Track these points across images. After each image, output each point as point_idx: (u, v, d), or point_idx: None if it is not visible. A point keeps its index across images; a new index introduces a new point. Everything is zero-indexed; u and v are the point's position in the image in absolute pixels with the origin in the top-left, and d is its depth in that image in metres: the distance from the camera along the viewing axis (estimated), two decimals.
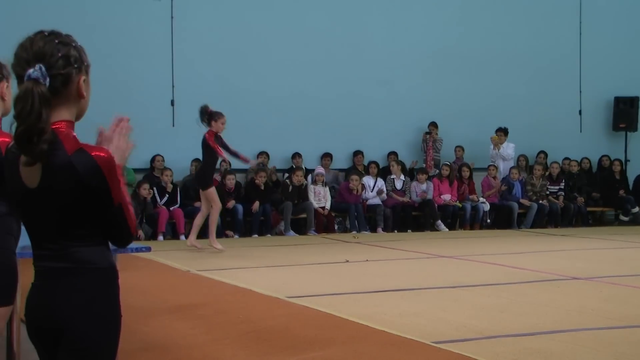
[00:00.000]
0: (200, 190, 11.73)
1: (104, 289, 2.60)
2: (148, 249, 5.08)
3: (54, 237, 2.56)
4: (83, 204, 2.51)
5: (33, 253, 2.64)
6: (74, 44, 2.60)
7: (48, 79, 2.48)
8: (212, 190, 11.53)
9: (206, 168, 11.56)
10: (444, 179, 16.09)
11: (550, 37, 18.13)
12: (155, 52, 15.23)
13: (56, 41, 2.55)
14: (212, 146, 11.10)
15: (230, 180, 14.54)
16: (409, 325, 6.28)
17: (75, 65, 2.57)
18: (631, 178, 17.95)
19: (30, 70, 2.47)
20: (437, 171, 16.37)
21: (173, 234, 14.10)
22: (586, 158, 17.85)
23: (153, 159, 14.68)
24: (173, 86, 15.29)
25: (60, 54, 2.53)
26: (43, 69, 2.48)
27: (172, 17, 15.28)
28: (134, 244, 4.77)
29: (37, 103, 2.43)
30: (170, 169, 14.42)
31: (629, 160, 18.35)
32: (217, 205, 11.58)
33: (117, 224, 2.57)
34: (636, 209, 17.21)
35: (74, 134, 2.57)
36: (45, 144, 2.44)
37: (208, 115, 11.28)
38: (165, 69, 15.22)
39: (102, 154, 2.50)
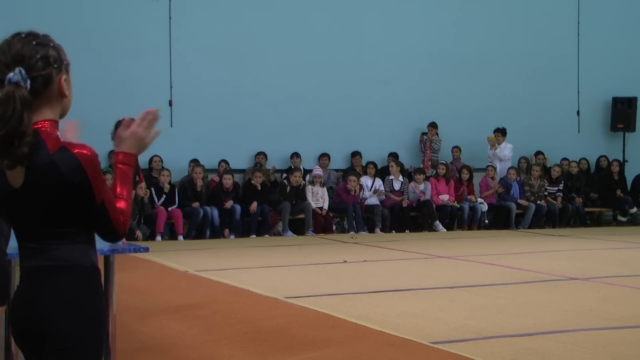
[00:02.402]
0: None
1: (87, 287, 2.58)
2: (146, 250, 5.08)
3: (37, 236, 2.56)
4: (66, 202, 2.51)
5: (19, 253, 2.64)
6: (52, 44, 2.58)
7: (29, 82, 2.48)
8: None
9: None
10: (441, 178, 16.11)
11: (548, 38, 18.15)
12: (153, 53, 15.24)
13: (34, 42, 2.53)
14: None
15: (228, 180, 14.55)
16: (407, 326, 6.28)
17: (55, 65, 2.56)
18: (629, 178, 17.97)
19: (11, 74, 2.46)
20: (434, 171, 16.38)
21: (171, 234, 14.10)
22: (584, 158, 17.85)
23: (151, 160, 14.68)
24: (171, 87, 15.30)
25: (39, 55, 2.52)
26: (23, 72, 2.47)
27: (170, 18, 15.28)
28: (132, 245, 4.78)
29: (18, 107, 2.43)
30: (168, 170, 14.42)
31: (626, 161, 18.37)
32: None
33: (101, 222, 2.56)
34: (634, 210, 17.22)
35: (58, 133, 2.57)
36: (26, 147, 2.44)
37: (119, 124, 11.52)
38: (163, 70, 15.23)
39: (84, 152, 2.49)
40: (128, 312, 6.55)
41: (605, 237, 14.13)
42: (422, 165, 16.62)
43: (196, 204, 14.17)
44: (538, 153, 17.62)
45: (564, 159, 17.66)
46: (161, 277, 9.32)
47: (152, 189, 14.07)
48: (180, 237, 13.88)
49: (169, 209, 14.03)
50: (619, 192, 17.27)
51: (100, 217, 2.55)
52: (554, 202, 16.58)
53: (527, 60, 17.91)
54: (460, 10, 17.61)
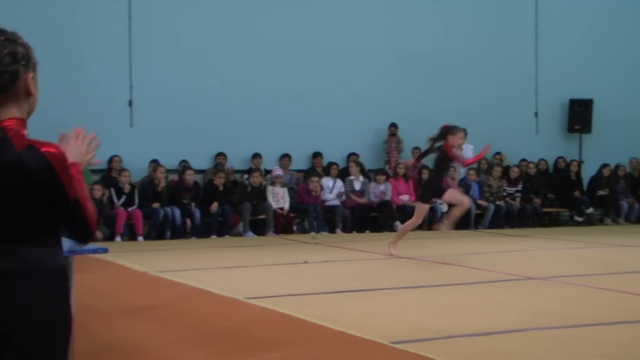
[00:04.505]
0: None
1: (53, 291, 2.53)
2: (105, 250, 5.04)
3: (6, 238, 2.51)
4: (34, 202, 2.47)
5: None
6: (20, 41, 2.55)
7: None
8: (422, 206, 11.29)
9: (435, 181, 11.32)
10: (400, 178, 16.20)
11: (507, 40, 18.34)
12: (112, 53, 15.11)
13: (2, 38, 2.51)
14: (452, 156, 10.99)
15: (190, 177, 14.54)
16: (367, 326, 6.30)
17: (23, 62, 2.52)
18: (585, 179, 18.22)
19: None
20: (394, 172, 16.46)
21: (131, 235, 14.00)
22: (543, 159, 18.07)
23: (110, 160, 14.56)
24: (131, 86, 15.19)
25: (6, 51, 2.49)
26: None
27: (130, 18, 15.17)
28: (91, 245, 4.73)
29: None
30: (128, 170, 14.32)
31: (583, 162, 18.63)
32: (416, 221, 11.28)
33: (75, 220, 2.53)
34: (590, 210, 17.47)
35: (25, 131, 2.53)
36: None
37: (444, 130, 10.96)
38: (122, 70, 15.11)
39: (52, 150, 2.45)
40: (87, 314, 6.49)
41: (563, 237, 14.31)
42: (386, 166, 16.72)
43: (156, 205, 14.09)
44: (497, 154, 17.79)
45: (523, 159, 17.86)
46: (121, 278, 9.25)
47: (112, 189, 13.97)
48: (140, 238, 13.78)
49: (129, 209, 13.92)
50: (577, 193, 17.50)
51: (76, 215, 2.51)
52: (513, 202, 16.76)
53: (486, 63, 18.09)
54: (421, 13, 17.71)
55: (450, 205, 11.83)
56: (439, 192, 11.25)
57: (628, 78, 19.27)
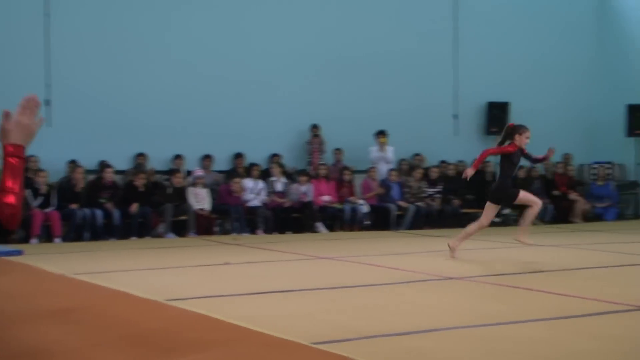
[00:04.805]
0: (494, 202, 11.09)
1: None
2: (19, 253, 4.92)
3: None
4: None
5: None
6: None
7: None
8: (523, 195, 11.03)
9: (505, 180, 11.01)
10: (322, 178, 16.29)
11: (427, 44, 18.62)
12: (28, 51, 14.79)
13: None
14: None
15: (109, 174, 14.36)
16: (288, 327, 6.30)
17: None
18: None
19: None
20: (316, 173, 16.56)
21: (47, 236, 13.70)
22: (462, 161, 18.38)
23: (27, 160, 14.23)
24: (49, 85, 14.87)
25: None
26: None
27: (48, 15, 14.86)
28: (4, 248, 4.61)
29: None
30: (45, 170, 14.02)
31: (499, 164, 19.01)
32: (537, 203, 11.08)
33: None
34: (507, 211, 17.84)
35: None
36: None
37: (511, 130, 10.77)
38: (38, 68, 14.79)
39: None
40: (0, 319, 6.33)
41: (480, 237, 14.51)
42: (310, 167, 16.80)
43: (74, 206, 13.83)
44: (416, 155, 18.04)
45: (442, 161, 18.14)
46: (36, 281, 9.04)
47: (28, 190, 13.65)
48: (57, 240, 13.51)
49: (46, 210, 13.63)
50: None
51: None
52: (433, 203, 17.00)
53: (406, 65, 18.33)
54: (342, 15, 17.85)
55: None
56: (512, 196, 11.09)
57: (542, 82, 19.80)
